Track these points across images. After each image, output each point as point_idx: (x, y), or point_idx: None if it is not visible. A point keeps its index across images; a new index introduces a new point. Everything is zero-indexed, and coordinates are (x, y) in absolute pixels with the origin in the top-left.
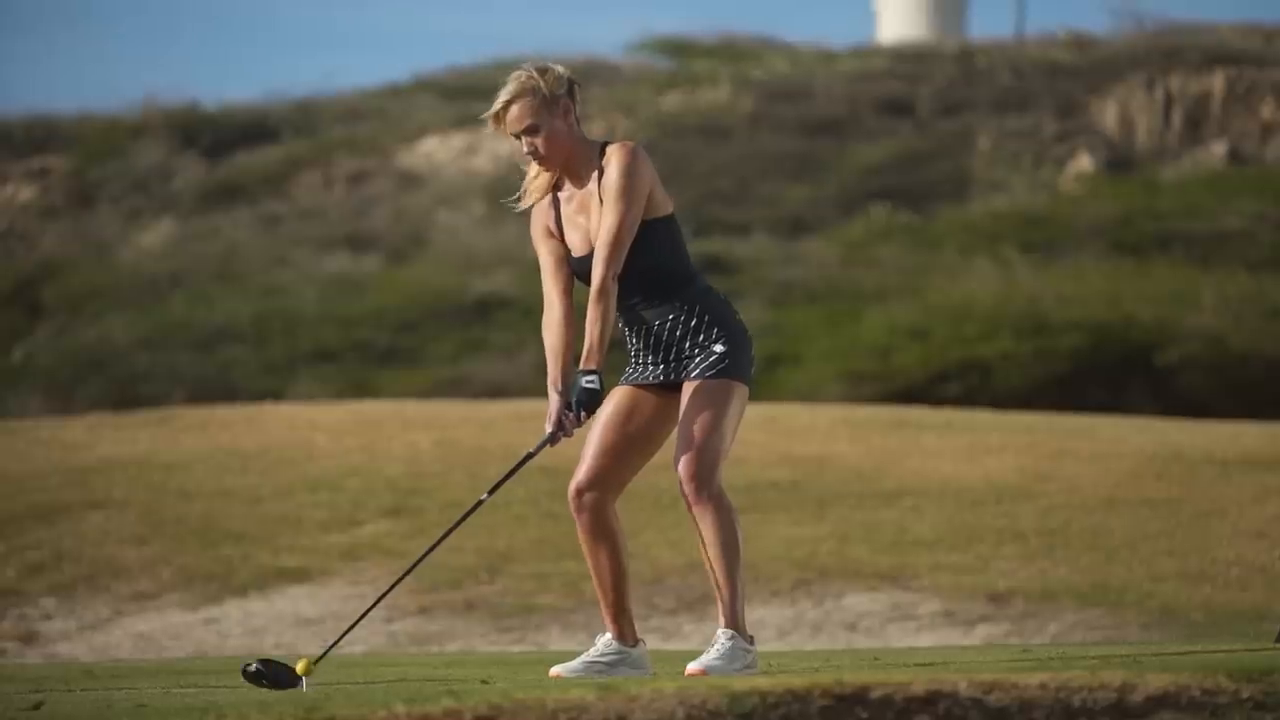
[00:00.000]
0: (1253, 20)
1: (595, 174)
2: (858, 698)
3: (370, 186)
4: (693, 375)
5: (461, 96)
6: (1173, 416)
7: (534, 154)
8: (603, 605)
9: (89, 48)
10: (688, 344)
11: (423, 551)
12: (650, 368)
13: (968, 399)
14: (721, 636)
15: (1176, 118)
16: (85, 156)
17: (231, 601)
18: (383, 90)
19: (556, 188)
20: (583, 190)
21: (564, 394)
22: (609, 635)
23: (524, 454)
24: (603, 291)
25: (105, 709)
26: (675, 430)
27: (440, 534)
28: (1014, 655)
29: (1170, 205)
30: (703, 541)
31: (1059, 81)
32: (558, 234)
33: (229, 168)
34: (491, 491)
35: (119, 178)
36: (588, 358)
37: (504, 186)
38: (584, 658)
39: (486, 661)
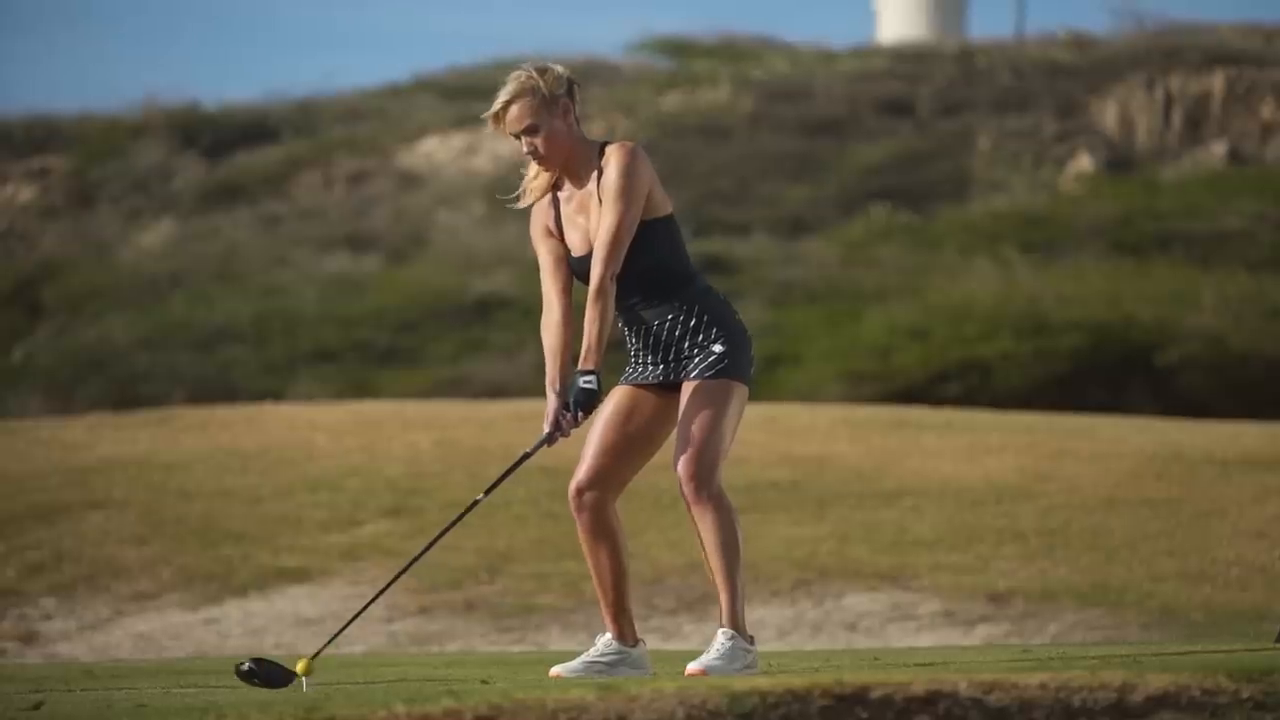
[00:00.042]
0: (1253, 20)
1: (595, 174)
2: (858, 698)
3: (370, 186)
4: (692, 375)
5: (461, 96)
6: (1173, 416)
7: (533, 154)
8: (603, 605)
9: (89, 48)
10: (687, 344)
11: (418, 551)
12: (650, 368)
13: (968, 399)
14: (721, 636)
15: (1176, 118)
16: (85, 156)
17: (231, 601)
18: (383, 90)
19: (556, 187)
20: (582, 190)
21: (561, 394)
22: (609, 635)
23: (521, 454)
24: (600, 291)
25: (105, 709)
26: (675, 430)
27: (440, 532)
28: (1014, 655)
29: (1170, 205)
30: (702, 542)
31: (1059, 81)
32: (557, 233)
33: (229, 168)
34: (488, 492)
35: (119, 178)
36: (585, 358)
37: (504, 186)
38: (584, 658)
39: (486, 661)
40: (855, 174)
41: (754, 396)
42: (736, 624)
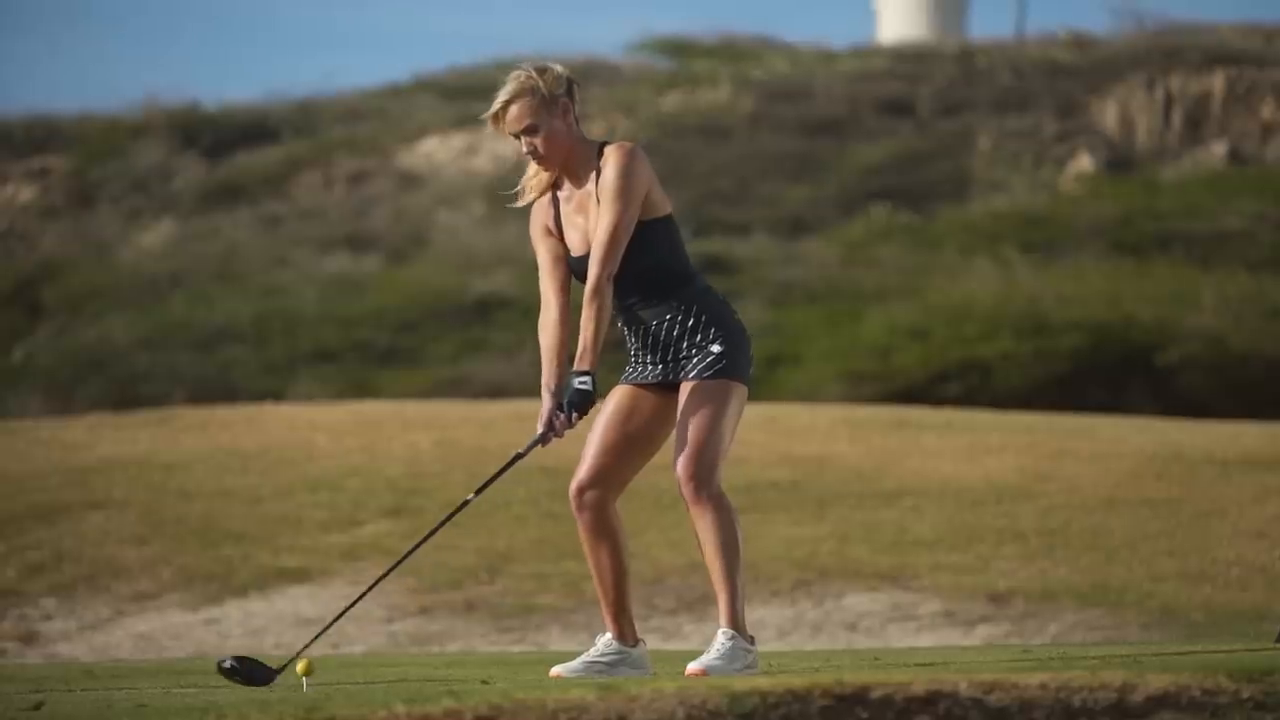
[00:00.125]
0: (1253, 20)
1: (594, 174)
2: (858, 698)
3: (370, 187)
4: (690, 375)
5: (461, 97)
6: (1173, 416)
7: (533, 154)
8: (603, 605)
9: (89, 48)
10: (685, 344)
11: (408, 550)
12: (649, 367)
13: (968, 399)
14: (722, 637)
15: (1176, 118)
16: (85, 156)
17: (232, 602)
18: (383, 90)
19: (556, 186)
20: (581, 190)
21: (556, 395)
22: (609, 635)
23: (513, 454)
24: (597, 291)
25: (105, 709)
26: (674, 431)
27: (429, 533)
28: (1014, 655)
29: (1170, 205)
30: (702, 542)
31: (1059, 81)
32: (556, 233)
33: (229, 168)
34: (479, 491)
35: (119, 178)
36: (581, 358)
37: (504, 186)
38: (584, 658)
39: (487, 662)
40: (855, 174)
41: (754, 396)
42: (736, 624)
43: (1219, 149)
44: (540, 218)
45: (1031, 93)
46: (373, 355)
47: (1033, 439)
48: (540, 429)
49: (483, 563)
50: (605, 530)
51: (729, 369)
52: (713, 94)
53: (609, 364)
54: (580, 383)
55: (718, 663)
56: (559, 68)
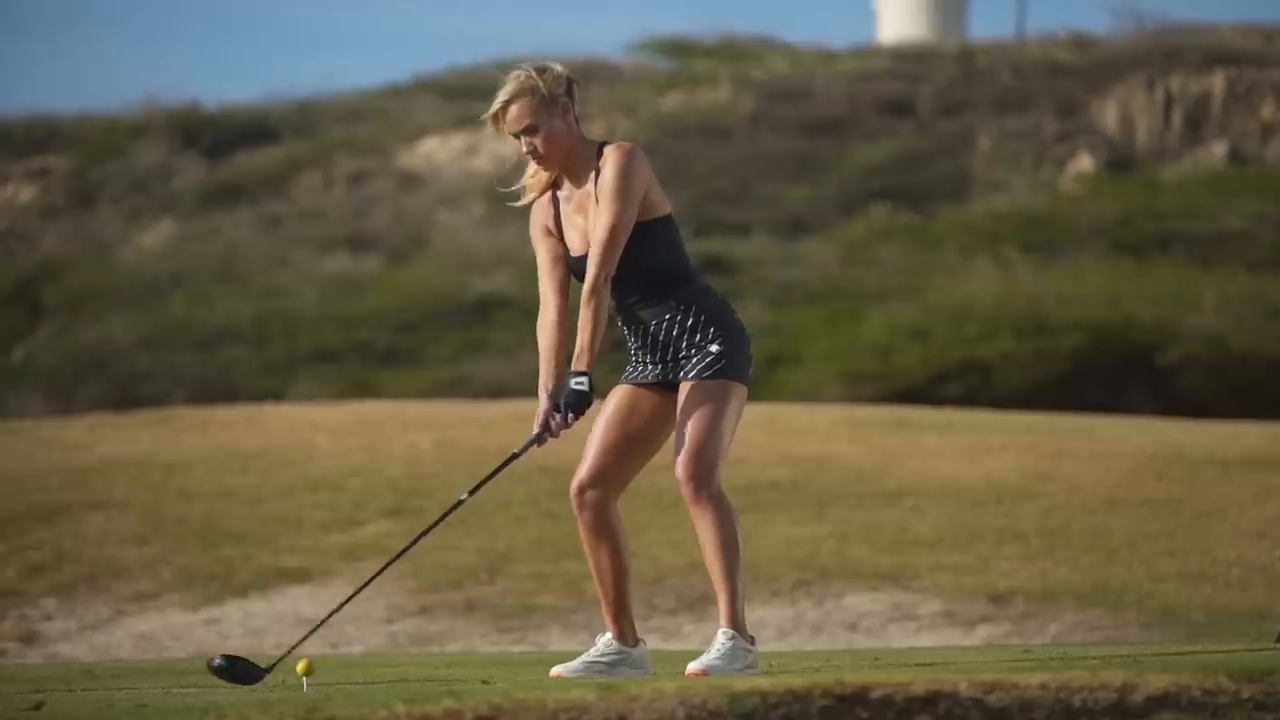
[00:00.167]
0: (1253, 20)
1: (593, 174)
2: (858, 698)
3: (370, 187)
4: (689, 375)
5: (461, 97)
6: (1173, 417)
7: (533, 154)
8: (603, 604)
9: (90, 48)
10: (684, 344)
11: (398, 552)
12: (649, 367)
13: (968, 399)
14: (722, 636)
15: (1177, 118)
16: (86, 156)
17: (232, 602)
18: (383, 90)
19: (556, 186)
20: (581, 190)
21: (553, 395)
22: (609, 635)
23: (509, 454)
24: (594, 291)
25: (106, 709)
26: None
27: (419, 534)
28: (1014, 655)
29: (1171, 205)
30: (702, 542)
31: (1059, 81)
32: (556, 232)
33: (229, 168)
34: (472, 492)
35: (119, 178)
36: (578, 359)
37: (504, 184)
38: (584, 658)
39: (487, 662)
40: (855, 174)
41: (754, 396)
42: (737, 624)
43: (1219, 149)
44: (540, 217)
45: (1032, 93)
46: (373, 355)
47: (1033, 439)
48: (536, 429)
49: (483, 563)
50: (606, 530)
51: (728, 369)
52: (713, 94)
53: (609, 364)
54: (577, 383)
55: (718, 663)
56: (559, 67)
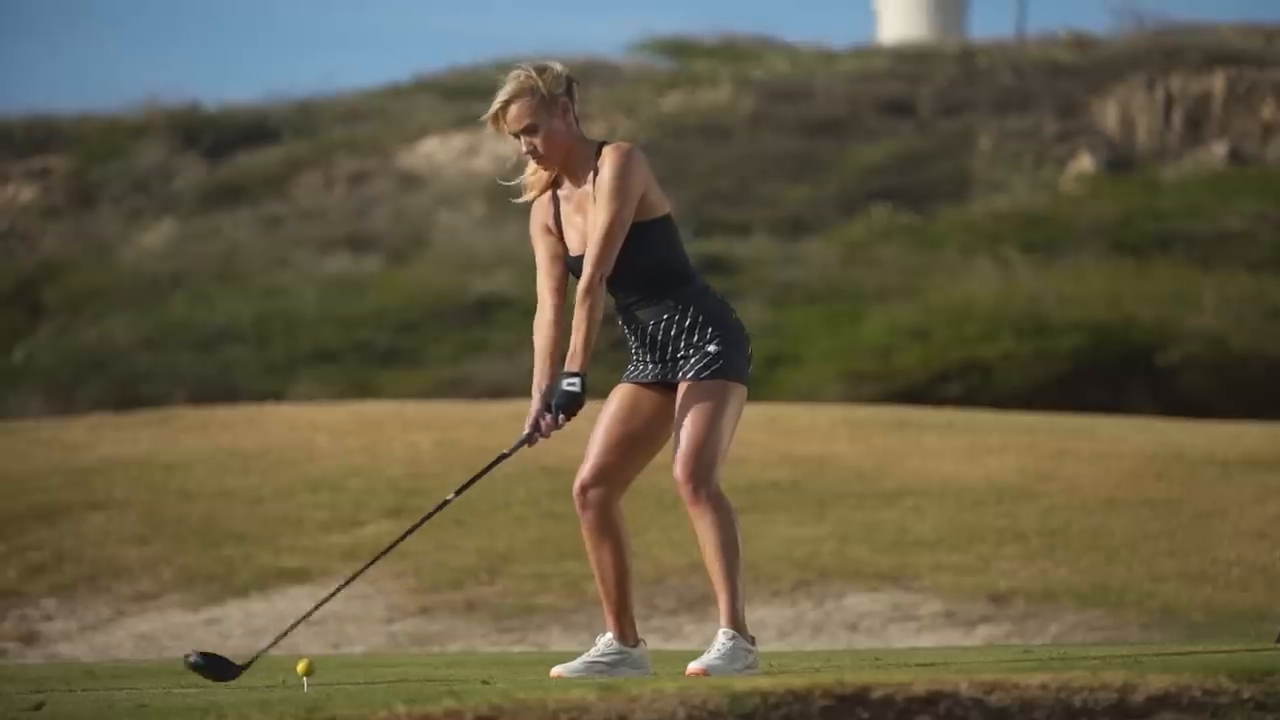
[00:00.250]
0: (1253, 20)
1: (592, 174)
2: (859, 698)
3: (371, 187)
4: (687, 375)
5: (462, 97)
6: (1173, 417)
7: (533, 153)
8: (605, 604)
9: (90, 48)
10: (682, 344)
11: (377, 555)
12: (649, 366)
13: (968, 399)
14: (722, 636)
15: (1177, 118)
16: (86, 157)
17: (233, 602)
18: (383, 90)
19: (556, 185)
20: (580, 190)
21: (545, 395)
22: (610, 635)
23: (498, 454)
24: (589, 291)
25: (106, 709)
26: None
27: (403, 534)
28: (1015, 656)
29: (1171, 205)
30: (701, 542)
31: (1060, 81)
32: (556, 231)
33: (230, 168)
34: (459, 492)
35: (120, 178)
36: (571, 359)
37: (505, 187)
38: (585, 658)
39: (487, 662)
40: (856, 174)
41: (754, 396)
42: (737, 624)
43: (1219, 149)
44: (540, 216)
45: (1032, 93)
46: (373, 355)
47: (1033, 439)
48: (526, 429)
49: (483, 563)
50: (608, 529)
51: (726, 369)
52: (713, 94)
53: (609, 363)
54: (569, 384)
55: (718, 662)
56: (559, 67)
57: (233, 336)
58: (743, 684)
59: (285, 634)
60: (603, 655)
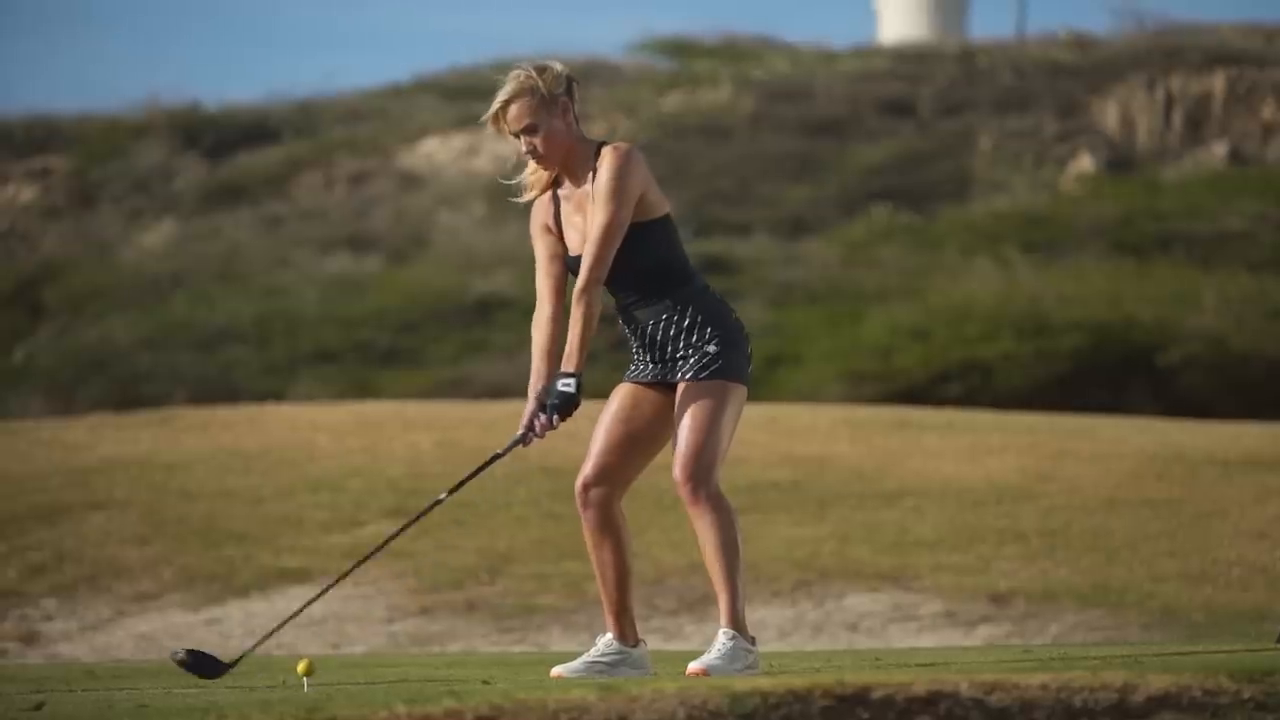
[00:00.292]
0: (1253, 20)
1: (591, 174)
2: (859, 698)
3: (371, 187)
4: (686, 376)
5: (462, 97)
6: (1174, 417)
7: (533, 153)
8: (605, 604)
9: (90, 48)
10: (681, 344)
11: (365, 555)
12: (649, 366)
13: (969, 399)
14: (722, 637)
15: (1177, 118)
16: (86, 157)
17: (233, 602)
18: (383, 91)
19: (557, 184)
20: (580, 190)
21: (540, 395)
22: (610, 635)
23: (491, 454)
24: (585, 291)
25: (106, 709)
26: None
27: (392, 534)
28: (1015, 656)
29: (1171, 205)
30: (701, 542)
31: (1060, 81)
32: (556, 231)
33: (230, 168)
34: (451, 492)
35: (120, 178)
36: (567, 360)
37: (505, 186)
38: (585, 658)
39: (488, 662)
40: (856, 174)
41: (755, 397)
42: (737, 624)
43: (1220, 149)
44: (540, 215)
45: (1032, 93)
46: (374, 356)
47: (1034, 439)
48: (520, 429)
49: (484, 563)
50: (609, 528)
51: (725, 369)
52: (713, 94)
53: (610, 363)
54: (564, 385)
55: (718, 663)
56: (559, 66)
57: (233, 336)
58: (743, 684)
59: (270, 635)
60: (603, 655)
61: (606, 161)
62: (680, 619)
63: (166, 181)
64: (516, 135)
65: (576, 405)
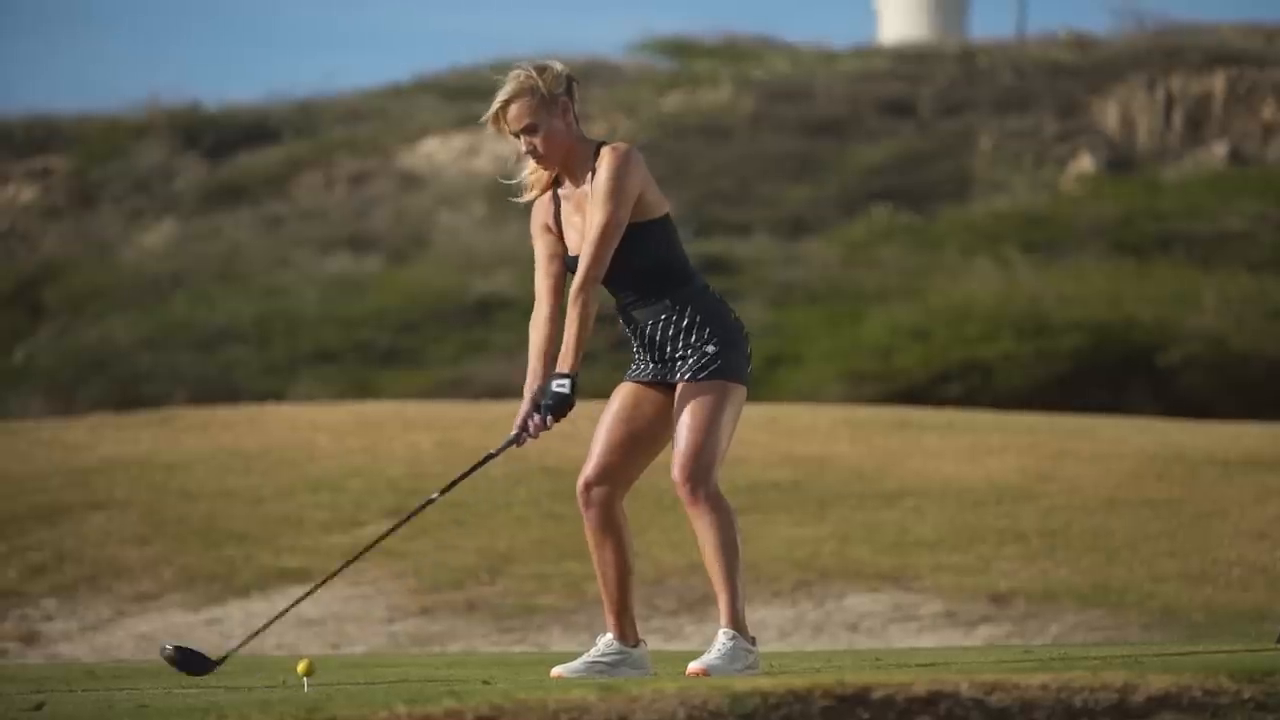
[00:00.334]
0: (1253, 20)
1: (590, 174)
2: (859, 698)
3: (371, 187)
4: (685, 376)
5: (462, 97)
6: (1174, 417)
7: (533, 153)
8: (606, 603)
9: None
10: (680, 344)
11: (358, 552)
12: (649, 365)
13: (969, 399)
14: (722, 637)
15: (1177, 118)
16: (87, 157)
17: (233, 602)
18: (383, 91)
19: (557, 184)
20: (579, 190)
21: (535, 395)
22: (610, 635)
23: (485, 454)
24: (581, 290)
25: (107, 709)
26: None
27: (386, 532)
28: (1015, 656)
29: (1171, 206)
30: (701, 543)
31: (1060, 81)
32: (556, 230)
33: (230, 168)
34: (443, 492)
35: (120, 178)
36: (562, 360)
37: (505, 186)
38: (585, 658)
39: (488, 662)
40: (856, 174)
41: (755, 397)
42: (737, 624)
43: (1220, 149)
44: (540, 215)
45: (1032, 93)
46: (374, 356)
47: (1034, 439)
48: (514, 429)
49: (484, 563)
50: (611, 527)
51: (724, 369)
52: (714, 94)
53: (610, 363)
54: (558, 385)
55: (719, 663)
56: (559, 66)
57: (233, 336)
58: (743, 684)
59: (257, 634)
60: (603, 655)
61: (605, 161)
62: (680, 619)
63: (167, 181)
64: (516, 135)
65: (571, 406)
